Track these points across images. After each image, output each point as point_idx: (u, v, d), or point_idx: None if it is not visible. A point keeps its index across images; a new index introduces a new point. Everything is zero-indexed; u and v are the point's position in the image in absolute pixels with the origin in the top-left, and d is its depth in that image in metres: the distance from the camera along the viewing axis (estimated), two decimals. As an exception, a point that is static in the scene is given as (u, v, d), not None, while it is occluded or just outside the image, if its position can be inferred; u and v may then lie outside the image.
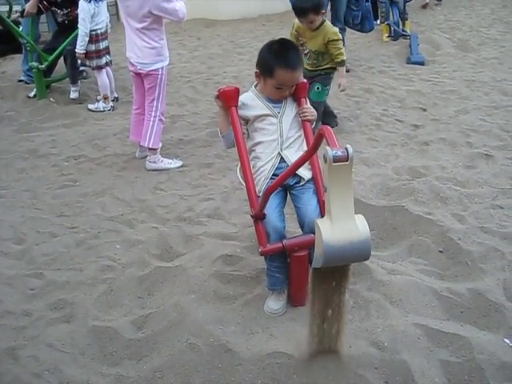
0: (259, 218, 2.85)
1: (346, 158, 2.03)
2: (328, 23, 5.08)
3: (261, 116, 3.00)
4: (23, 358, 2.72)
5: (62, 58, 7.12)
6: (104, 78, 6.68)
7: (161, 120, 4.91)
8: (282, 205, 2.98)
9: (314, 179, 2.98)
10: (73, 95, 7.01)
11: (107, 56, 6.75)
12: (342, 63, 5.11)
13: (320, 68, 5.15)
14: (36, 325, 2.97)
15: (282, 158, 2.97)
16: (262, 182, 2.96)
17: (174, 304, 3.02)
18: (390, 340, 2.67)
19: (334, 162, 2.02)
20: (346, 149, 2.03)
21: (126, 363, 2.73)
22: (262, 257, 2.96)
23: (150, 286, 3.27)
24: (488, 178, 4.39)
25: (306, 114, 3.02)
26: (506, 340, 2.72)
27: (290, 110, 3.03)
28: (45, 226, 4.01)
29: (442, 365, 2.57)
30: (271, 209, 2.86)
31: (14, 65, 8.38)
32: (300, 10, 4.94)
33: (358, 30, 7.72)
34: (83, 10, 6.26)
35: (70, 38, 6.72)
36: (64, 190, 4.63)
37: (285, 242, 2.82)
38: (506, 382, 2.47)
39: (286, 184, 2.97)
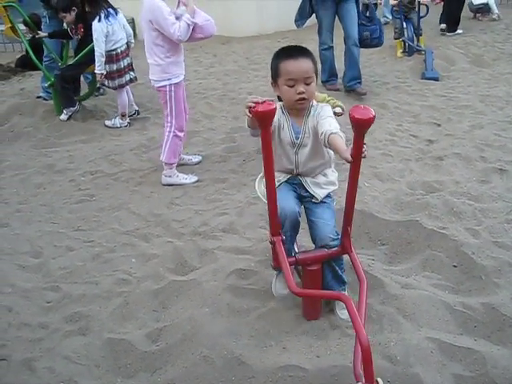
0: (274, 248, 2.88)
1: None
2: None
3: (279, 136, 2.92)
4: (39, 369, 2.77)
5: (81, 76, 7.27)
6: (124, 97, 6.69)
7: (176, 136, 4.90)
8: (294, 194, 3.00)
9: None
10: (62, 117, 6.86)
11: (131, 73, 6.70)
12: None
13: None
14: (52, 337, 3.02)
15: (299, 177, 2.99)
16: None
17: (188, 317, 3.05)
18: (402, 354, 2.67)
19: None
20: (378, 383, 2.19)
21: (141, 375, 2.76)
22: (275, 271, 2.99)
23: (165, 299, 3.30)
24: (502, 192, 4.38)
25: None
26: (519, 354, 2.71)
27: (308, 140, 2.92)
28: (61, 240, 4.07)
29: (455, 379, 2.56)
30: (283, 195, 2.89)
31: (33, 81, 8.49)
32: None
33: (373, 46, 7.62)
34: (95, 30, 6.23)
35: (79, 56, 6.75)
36: (81, 204, 4.69)
37: (298, 256, 2.85)
38: (519, 397, 2.47)
39: (299, 194, 3.00)
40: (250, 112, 2.55)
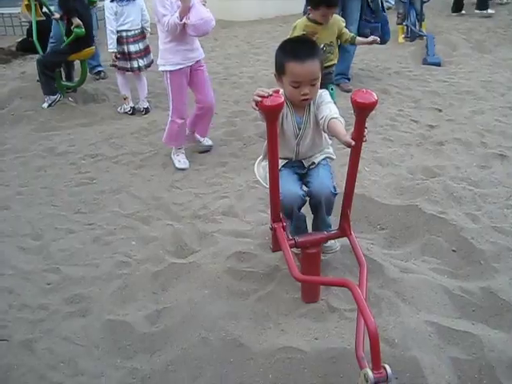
0: (276, 233, 2.89)
1: (386, 379, 2.14)
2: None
3: (282, 125, 2.90)
4: (39, 350, 2.79)
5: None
6: (119, 80, 6.63)
7: (173, 121, 4.87)
8: (296, 177, 3.03)
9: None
10: (44, 105, 6.76)
11: (140, 60, 6.47)
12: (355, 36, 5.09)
13: (327, 65, 4.99)
14: (52, 318, 3.04)
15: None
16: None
17: (187, 299, 3.06)
18: (400, 337, 2.68)
19: None
20: (386, 369, 2.15)
21: (140, 356, 2.77)
22: (275, 254, 2.99)
23: (165, 281, 3.32)
24: (502, 178, 4.38)
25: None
26: (516, 338, 2.73)
27: (309, 130, 2.93)
28: (62, 223, 4.08)
29: (452, 362, 2.58)
30: (285, 180, 2.91)
31: (34, 65, 8.45)
32: (332, 2, 4.80)
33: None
34: (106, 7, 6.24)
35: (63, 44, 6.69)
36: (81, 187, 4.69)
37: (297, 239, 2.86)
38: (516, 380, 2.49)
39: (300, 174, 3.03)
40: (256, 105, 2.49)
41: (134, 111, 6.64)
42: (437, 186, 4.19)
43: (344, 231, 2.94)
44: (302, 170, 3.06)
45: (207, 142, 5.36)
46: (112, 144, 5.66)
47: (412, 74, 7.61)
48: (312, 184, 2.99)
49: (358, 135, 2.45)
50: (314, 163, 3.04)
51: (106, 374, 2.66)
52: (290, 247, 2.83)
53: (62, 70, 7.03)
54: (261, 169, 3.16)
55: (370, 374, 2.12)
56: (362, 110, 2.36)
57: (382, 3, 6.74)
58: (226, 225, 3.91)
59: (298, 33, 4.81)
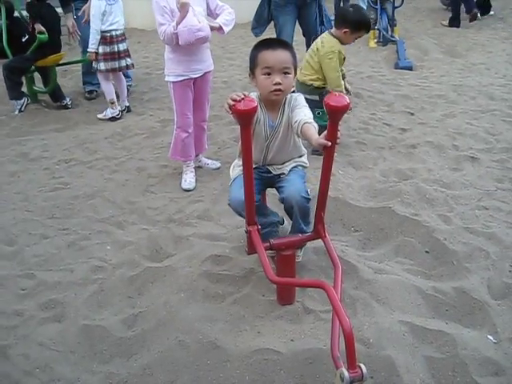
0: (251, 237, 2.89)
1: (361, 378, 2.17)
2: None
3: (255, 128, 2.90)
4: (14, 356, 2.76)
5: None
6: (103, 86, 6.50)
7: (177, 134, 4.63)
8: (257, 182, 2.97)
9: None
10: (15, 112, 6.70)
11: (127, 59, 6.51)
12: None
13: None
14: (27, 324, 3.01)
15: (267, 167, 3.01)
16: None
17: (163, 303, 3.06)
18: (375, 337, 2.71)
19: None
20: (361, 369, 2.19)
21: (116, 361, 2.77)
22: (250, 257, 3.01)
23: (141, 285, 3.31)
24: (473, 179, 4.45)
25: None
26: (489, 336, 2.77)
27: (280, 133, 2.96)
28: (36, 228, 4.05)
29: (426, 360, 2.61)
30: (237, 183, 2.95)
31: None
32: (369, 25, 4.92)
33: None
34: (94, 6, 6.10)
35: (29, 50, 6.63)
36: (55, 192, 4.66)
37: (272, 241, 2.88)
38: (488, 377, 2.53)
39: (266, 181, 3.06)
40: (230, 109, 2.48)
41: (121, 115, 6.56)
42: (409, 188, 4.24)
43: (318, 233, 2.97)
44: (268, 174, 3.08)
45: (214, 164, 5.04)
46: (86, 149, 5.63)
47: (384, 78, 7.69)
48: (283, 189, 2.99)
49: (332, 138, 2.47)
50: (283, 173, 3.06)
51: (83, 379, 2.65)
52: (266, 250, 2.85)
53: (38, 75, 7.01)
54: (235, 170, 3.17)
55: (346, 373, 2.15)
56: (335, 113, 2.40)
57: (323, 15, 6.30)
58: (201, 228, 3.92)
59: (339, 57, 4.86)
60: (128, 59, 6.53)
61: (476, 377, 2.51)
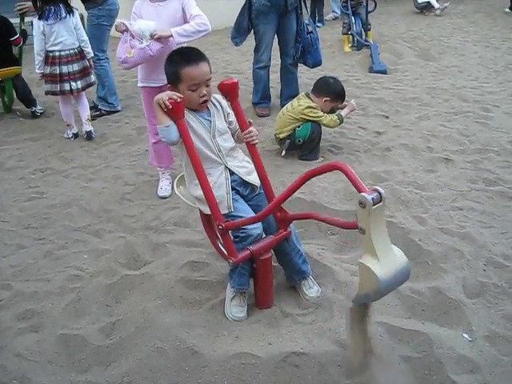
0: (229, 229, 2.89)
1: (380, 199, 2.19)
2: None
3: (196, 132, 2.92)
4: (-9, 368, 2.74)
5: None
6: (61, 107, 6.12)
7: (149, 139, 4.69)
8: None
9: (263, 185, 3.03)
10: None
11: (73, 83, 5.88)
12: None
13: None
14: (4, 335, 2.99)
15: (230, 170, 2.98)
16: (226, 197, 2.92)
17: (141, 310, 3.06)
18: (352, 338, 2.73)
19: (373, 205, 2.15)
20: (379, 191, 2.20)
21: (95, 370, 2.76)
22: (226, 263, 3.00)
23: (118, 293, 3.31)
24: (448, 181, 4.51)
25: (253, 138, 3.00)
26: (464, 335, 2.81)
27: (220, 122, 3.00)
28: (12, 238, 4.02)
29: (403, 360, 2.64)
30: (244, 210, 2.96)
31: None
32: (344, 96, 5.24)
33: (303, 64, 6.61)
34: (34, 27, 5.81)
35: None
36: (31, 202, 4.63)
37: (251, 247, 2.88)
38: (464, 374, 2.56)
39: (242, 195, 3.04)
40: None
41: (76, 137, 6.16)
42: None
43: (284, 228, 2.99)
44: (242, 187, 3.05)
45: None
46: (61, 158, 5.60)
47: (359, 82, 7.75)
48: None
49: (242, 122, 2.98)
50: (256, 186, 3.08)
51: (61, 388, 2.64)
52: (247, 258, 2.88)
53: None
54: (180, 186, 3.29)
55: (366, 194, 2.17)
56: (227, 92, 2.96)
57: (304, 25, 6.33)
58: (178, 235, 3.92)
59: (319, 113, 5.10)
60: (73, 83, 5.90)
61: (452, 375, 2.54)
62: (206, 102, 2.94)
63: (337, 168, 2.37)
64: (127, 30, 4.15)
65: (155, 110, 2.81)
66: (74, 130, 6.17)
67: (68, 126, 6.17)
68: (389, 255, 2.27)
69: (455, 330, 2.85)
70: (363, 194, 2.17)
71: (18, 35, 6.75)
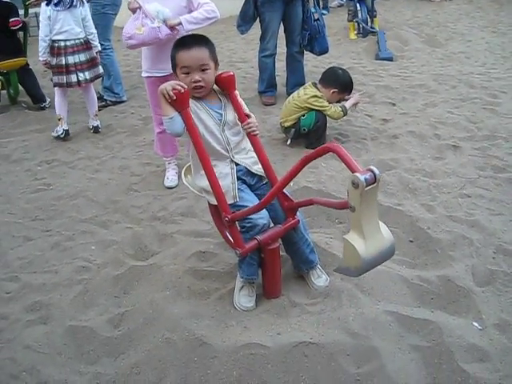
0: (235, 220, 2.87)
1: (374, 180, 2.14)
2: None
3: (205, 124, 2.90)
4: (0, 360, 2.75)
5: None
6: (57, 98, 5.89)
7: (154, 129, 4.68)
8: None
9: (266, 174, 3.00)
10: None
11: (80, 74, 5.74)
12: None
13: None
14: (13, 327, 3.00)
15: (236, 162, 2.97)
16: (231, 186, 2.91)
17: (149, 301, 3.05)
18: (361, 327, 2.72)
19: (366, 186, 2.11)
20: (373, 171, 2.14)
21: (104, 361, 2.76)
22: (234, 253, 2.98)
23: (126, 284, 3.30)
24: (456, 168, 4.48)
25: (253, 128, 2.94)
26: (474, 323, 2.79)
27: (231, 115, 2.96)
28: (19, 230, 4.02)
29: (412, 349, 2.62)
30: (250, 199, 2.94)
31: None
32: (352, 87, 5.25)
33: (310, 51, 6.59)
34: (41, 11, 5.67)
35: None
36: (38, 194, 4.64)
37: (259, 237, 2.86)
38: (474, 363, 2.54)
39: (248, 184, 3.02)
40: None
41: (66, 135, 5.87)
42: (392, 178, 4.26)
43: (291, 216, 2.97)
44: (249, 177, 3.04)
45: None
46: (67, 149, 5.60)
47: (365, 70, 7.70)
48: (269, 208, 2.96)
49: (240, 115, 2.93)
50: (260, 178, 3.06)
51: (70, 380, 2.64)
52: (255, 248, 2.86)
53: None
54: (188, 176, 3.26)
55: (359, 174, 2.11)
56: (224, 85, 2.96)
57: (311, 13, 6.32)
58: (185, 225, 3.91)
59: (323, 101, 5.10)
60: (81, 74, 5.78)
61: (462, 363, 2.52)
62: (199, 88, 2.88)
63: (330, 150, 2.34)
64: (140, 7, 4.13)
65: (160, 101, 2.79)
66: (65, 126, 5.88)
67: (60, 120, 5.87)
68: (376, 236, 2.26)
69: (465, 319, 2.84)
70: (356, 173, 2.12)
71: (17, 18, 6.65)
